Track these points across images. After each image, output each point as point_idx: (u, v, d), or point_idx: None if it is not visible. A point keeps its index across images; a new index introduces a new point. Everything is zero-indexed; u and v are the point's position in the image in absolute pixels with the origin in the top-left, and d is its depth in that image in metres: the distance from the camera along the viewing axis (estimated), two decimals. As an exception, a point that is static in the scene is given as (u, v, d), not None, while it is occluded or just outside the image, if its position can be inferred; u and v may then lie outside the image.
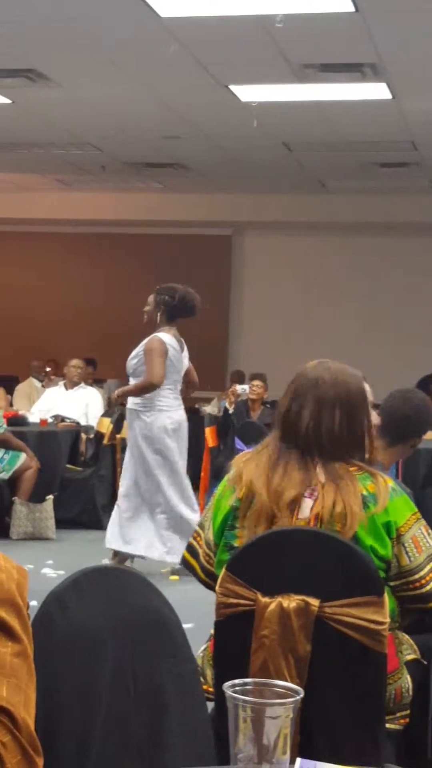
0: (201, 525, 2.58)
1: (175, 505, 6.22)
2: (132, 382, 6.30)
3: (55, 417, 8.73)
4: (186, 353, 6.42)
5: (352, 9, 6.11)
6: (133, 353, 6.30)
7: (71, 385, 9.09)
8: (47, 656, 1.61)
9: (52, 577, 6.21)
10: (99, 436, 8.66)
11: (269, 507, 2.40)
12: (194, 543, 2.57)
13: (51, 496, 7.78)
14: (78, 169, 11.50)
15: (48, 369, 11.10)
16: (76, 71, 7.57)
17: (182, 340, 6.40)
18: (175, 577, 6.29)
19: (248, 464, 2.50)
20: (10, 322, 13.86)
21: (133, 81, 7.74)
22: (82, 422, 8.78)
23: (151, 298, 6.38)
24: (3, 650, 1.20)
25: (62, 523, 7.80)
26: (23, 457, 7.77)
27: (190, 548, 2.58)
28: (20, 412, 8.91)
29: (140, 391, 6.19)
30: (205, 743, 1.86)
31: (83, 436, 8.72)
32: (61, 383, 9.33)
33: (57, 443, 8.39)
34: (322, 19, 6.26)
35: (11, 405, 9.69)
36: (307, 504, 2.40)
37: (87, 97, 8.29)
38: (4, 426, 7.69)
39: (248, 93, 8.04)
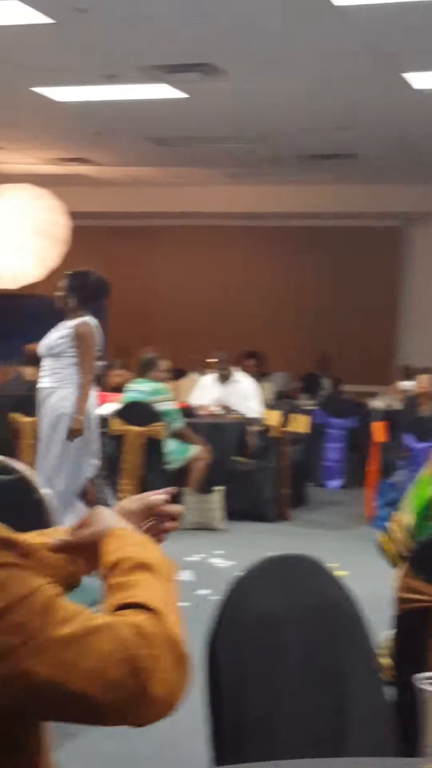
0: (401, 509, 2.54)
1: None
2: (49, 362, 6.14)
3: (224, 409, 8.81)
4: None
5: None
6: (60, 333, 6.13)
7: (222, 378, 9.18)
8: (233, 642, 1.61)
9: (223, 567, 6.26)
10: (266, 428, 8.68)
11: None
12: (392, 527, 2.54)
13: (219, 488, 7.85)
14: (248, 162, 11.55)
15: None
16: (249, 64, 7.59)
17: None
18: (344, 572, 6.25)
19: None
20: (179, 316, 14.07)
21: (305, 71, 7.72)
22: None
23: (62, 284, 6.27)
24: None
25: (229, 513, 7.87)
26: (195, 448, 7.89)
27: (387, 531, 2.55)
28: (190, 404, 9.03)
29: (86, 391, 6.05)
30: (386, 734, 1.83)
31: (250, 428, 8.77)
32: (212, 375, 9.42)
33: (225, 435, 8.46)
34: None
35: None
36: None
37: (260, 90, 8.31)
38: (182, 420, 7.83)
39: (421, 80, 7.90)
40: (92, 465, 6.15)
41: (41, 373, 6.24)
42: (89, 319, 6.13)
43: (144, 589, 1.28)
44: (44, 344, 6.21)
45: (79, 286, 6.16)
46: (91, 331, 6.08)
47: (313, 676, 1.77)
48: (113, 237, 14.45)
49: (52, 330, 6.22)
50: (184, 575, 5.82)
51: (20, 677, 1.19)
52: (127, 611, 1.25)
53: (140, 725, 1.23)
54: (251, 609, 1.74)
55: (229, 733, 1.65)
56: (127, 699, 1.20)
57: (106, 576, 1.33)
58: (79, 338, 6.05)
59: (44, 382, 6.18)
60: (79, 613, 1.24)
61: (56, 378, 6.10)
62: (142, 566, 1.32)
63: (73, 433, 5.96)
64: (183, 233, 14.27)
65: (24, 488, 2.96)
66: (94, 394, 6.20)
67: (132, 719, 1.22)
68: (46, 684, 1.19)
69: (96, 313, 6.32)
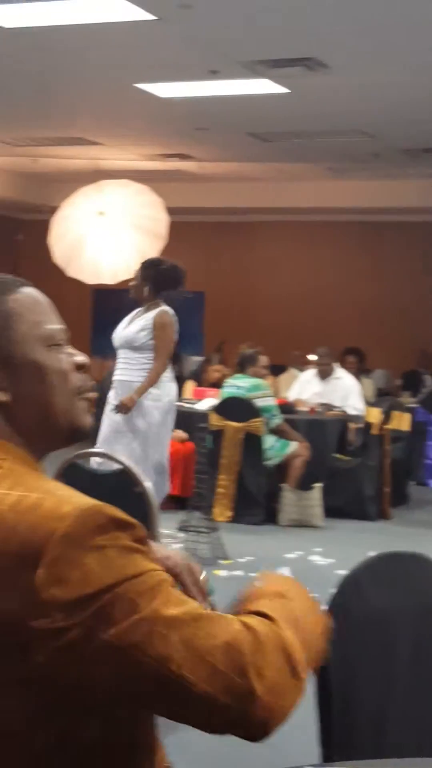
0: None
1: None
2: (129, 354, 6.04)
3: (324, 406, 8.75)
4: None
5: None
6: (140, 325, 6.02)
7: (323, 375, 9.10)
8: (344, 638, 1.58)
9: (321, 564, 6.20)
10: (367, 425, 8.59)
11: None
12: None
13: (318, 485, 7.80)
14: (351, 157, 11.44)
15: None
16: (351, 57, 7.50)
17: None
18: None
19: None
20: (278, 311, 14.03)
21: (409, 64, 7.59)
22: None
23: (137, 273, 6.17)
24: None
25: (328, 511, 7.80)
26: (294, 445, 7.83)
27: None
28: (289, 400, 9.00)
29: (156, 379, 5.96)
30: None
31: (351, 425, 8.69)
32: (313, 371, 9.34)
33: (325, 432, 8.40)
34: None
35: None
36: None
37: (363, 83, 8.21)
38: (281, 416, 7.80)
39: None
40: (165, 456, 6.12)
41: (118, 365, 6.13)
42: (168, 309, 6.08)
43: (268, 605, 1.25)
44: (120, 336, 6.12)
45: (152, 274, 6.09)
46: (170, 320, 6.04)
47: (425, 674, 1.73)
48: (213, 232, 14.49)
49: (125, 320, 6.17)
50: (282, 572, 5.78)
51: (120, 652, 1.16)
52: (242, 615, 1.22)
53: (247, 734, 1.18)
54: (361, 606, 1.70)
55: (338, 730, 1.62)
56: (230, 693, 1.14)
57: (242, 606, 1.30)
58: (158, 327, 5.98)
59: (123, 374, 6.07)
60: (188, 601, 1.21)
61: (138, 373, 6.02)
62: (277, 594, 1.29)
63: (120, 407, 5.91)
64: (284, 229, 14.22)
65: (127, 480, 2.96)
66: (173, 386, 6.17)
67: (237, 721, 1.17)
68: (145, 662, 1.15)
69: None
